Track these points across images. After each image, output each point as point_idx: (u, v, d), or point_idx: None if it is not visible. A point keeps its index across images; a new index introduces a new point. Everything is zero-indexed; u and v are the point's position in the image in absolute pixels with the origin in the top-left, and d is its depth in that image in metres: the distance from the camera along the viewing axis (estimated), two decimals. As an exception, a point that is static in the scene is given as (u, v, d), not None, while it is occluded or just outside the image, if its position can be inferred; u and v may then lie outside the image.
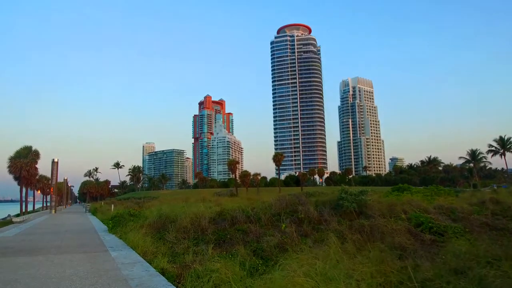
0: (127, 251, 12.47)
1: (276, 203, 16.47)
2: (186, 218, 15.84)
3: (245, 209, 16.25)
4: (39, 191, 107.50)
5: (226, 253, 11.53)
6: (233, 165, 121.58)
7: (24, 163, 60.43)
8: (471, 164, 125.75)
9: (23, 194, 65.81)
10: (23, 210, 63.34)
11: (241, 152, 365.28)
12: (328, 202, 16.31)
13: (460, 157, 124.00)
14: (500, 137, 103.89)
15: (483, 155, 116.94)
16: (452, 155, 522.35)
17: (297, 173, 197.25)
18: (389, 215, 14.67)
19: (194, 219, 15.78)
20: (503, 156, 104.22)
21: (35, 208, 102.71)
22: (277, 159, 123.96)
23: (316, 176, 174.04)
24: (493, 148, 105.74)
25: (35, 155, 63.14)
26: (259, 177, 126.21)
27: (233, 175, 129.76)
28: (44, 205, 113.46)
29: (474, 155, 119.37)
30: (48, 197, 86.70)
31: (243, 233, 13.50)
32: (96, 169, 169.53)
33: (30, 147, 63.18)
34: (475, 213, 16.24)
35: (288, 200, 16.59)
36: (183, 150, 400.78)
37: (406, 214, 14.59)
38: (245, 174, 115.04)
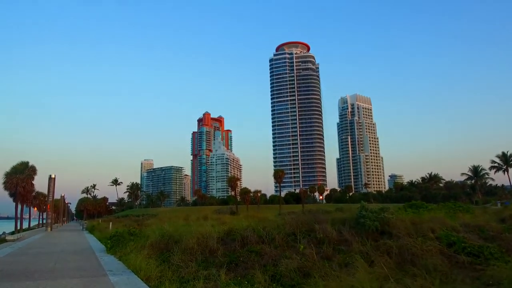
0: (129, 276, 11.16)
1: (290, 222, 15.20)
2: (192, 238, 14.53)
3: (256, 228, 14.95)
4: (35, 208, 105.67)
5: (241, 279, 10.25)
6: (233, 182, 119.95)
7: (20, 179, 58.95)
8: (473, 181, 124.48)
9: (19, 211, 64.17)
10: (18, 228, 61.64)
11: (240, 169, 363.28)
12: (346, 220, 15.03)
13: (462, 174, 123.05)
14: (503, 153, 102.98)
15: (486, 171, 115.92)
16: (449, 171, 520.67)
17: (296, 190, 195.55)
18: (415, 234, 13.41)
19: (200, 239, 14.48)
20: (506, 172, 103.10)
21: (31, 225, 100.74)
22: (278, 176, 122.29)
23: (316, 193, 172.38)
24: (496, 164, 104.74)
25: (32, 170, 61.73)
26: (259, 194, 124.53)
27: (233, 192, 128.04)
28: (40, 222, 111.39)
29: (476, 171, 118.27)
30: (45, 214, 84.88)
31: (257, 255, 12.21)
32: (93, 186, 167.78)
33: (27, 163, 61.78)
34: (505, 232, 14.97)
35: (303, 219, 15.33)
36: (181, 167, 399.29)
37: (434, 233, 13.32)
38: (246, 191, 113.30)
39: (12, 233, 51.96)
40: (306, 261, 11.02)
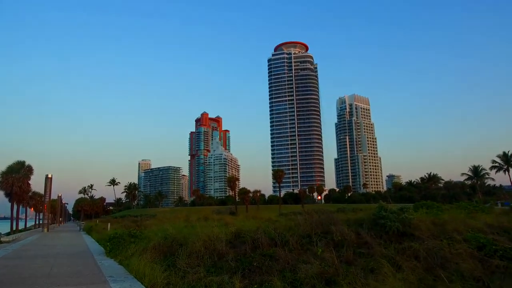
0: (132, 283, 10.13)
1: (304, 223, 14.20)
2: (198, 241, 13.50)
3: (267, 230, 13.94)
4: (32, 209, 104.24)
5: (258, 287, 9.26)
6: (232, 182, 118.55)
7: (16, 178, 57.65)
8: (473, 181, 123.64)
9: (15, 211, 62.89)
10: (14, 228, 60.41)
11: (238, 170, 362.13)
12: (364, 221, 14.05)
13: (463, 174, 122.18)
14: (504, 152, 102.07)
15: (486, 172, 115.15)
16: (447, 172, 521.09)
17: (295, 190, 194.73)
18: (439, 236, 12.46)
19: (207, 242, 13.46)
20: (507, 172, 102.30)
21: (27, 226, 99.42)
22: (278, 176, 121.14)
23: (315, 194, 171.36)
24: (496, 164, 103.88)
25: (28, 170, 60.41)
26: (258, 194, 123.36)
27: (233, 192, 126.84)
28: (37, 222, 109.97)
29: (476, 171, 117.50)
30: (41, 214, 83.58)
31: (271, 259, 11.21)
32: (91, 186, 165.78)
33: (23, 162, 60.48)
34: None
35: (317, 219, 14.33)
36: (179, 167, 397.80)
37: (461, 234, 12.37)
38: (245, 191, 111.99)
39: (8, 234, 50.82)
40: (327, 266, 10.05)
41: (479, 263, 10.39)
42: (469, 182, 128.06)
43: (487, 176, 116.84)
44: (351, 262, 10.70)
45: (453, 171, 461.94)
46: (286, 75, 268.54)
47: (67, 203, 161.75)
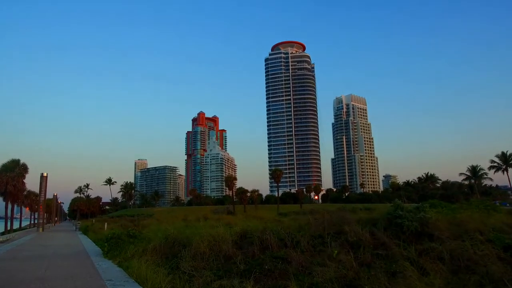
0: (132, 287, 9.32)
1: (315, 222, 13.43)
2: (202, 242, 12.69)
3: (275, 230, 13.15)
4: (27, 208, 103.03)
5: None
6: (230, 181, 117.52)
7: (10, 177, 56.50)
8: (471, 181, 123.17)
9: (9, 211, 61.80)
10: (9, 228, 59.34)
11: (235, 169, 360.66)
12: (377, 221, 13.29)
13: (461, 173, 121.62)
14: (502, 152, 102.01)
15: (484, 171, 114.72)
16: (443, 172, 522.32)
17: (292, 190, 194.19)
18: (460, 236, 11.71)
19: (212, 243, 12.66)
20: (505, 172, 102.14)
21: (22, 225, 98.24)
22: (276, 175, 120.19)
23: (312, 193, 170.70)
24: (495, 164, 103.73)
25: (23, 169, 59.32)
26: (256, 194, 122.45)
27: (230, 192, 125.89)
28: (32, 222, 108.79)
29: (474, 171, 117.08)
30: (37, 214, 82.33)
31: (283, 261, 10.42)
32: (87, 186, 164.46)
33: (18, 161, 59.43)
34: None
35: (329, 219, 13.56)
36: (175, 167, 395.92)
37: (483, 235, 11.63)
38: (243, 191, 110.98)
39: (2, 233, 49.86)
40: (345, 269, 9.27)
41: (508, 265, 9.66)
42: (466, 182, 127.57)
43: (485, 176, 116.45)
44: (370, 264, 9.94)
45: (450, 171, 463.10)
46: (283, 74, 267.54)
47: (63, 203, 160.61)
